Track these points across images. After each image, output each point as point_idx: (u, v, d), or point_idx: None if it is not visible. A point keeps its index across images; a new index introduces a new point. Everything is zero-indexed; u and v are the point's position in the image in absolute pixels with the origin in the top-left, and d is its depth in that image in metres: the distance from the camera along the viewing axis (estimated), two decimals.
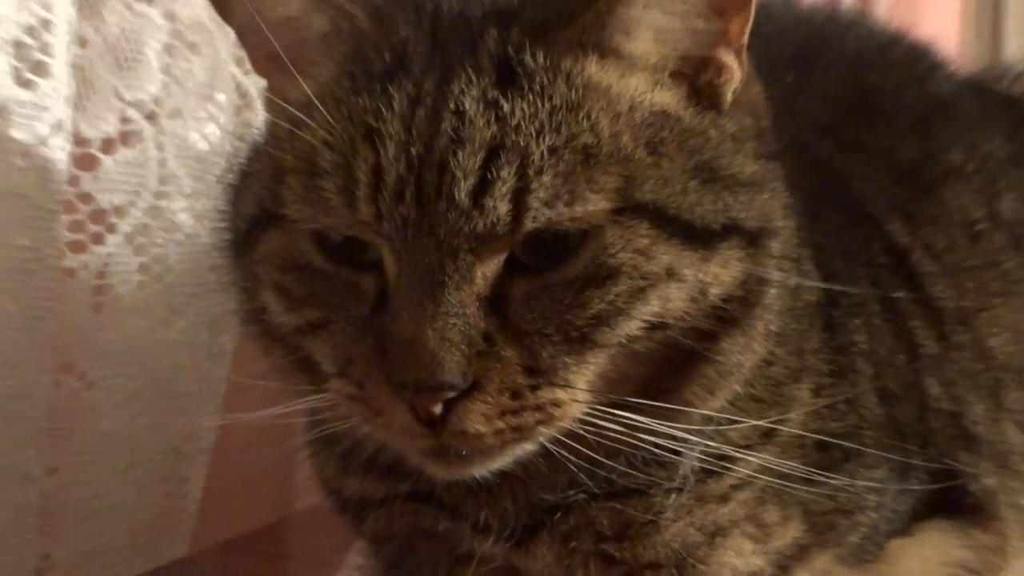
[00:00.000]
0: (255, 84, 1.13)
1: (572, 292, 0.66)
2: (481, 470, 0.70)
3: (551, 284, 0.66)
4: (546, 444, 0.69)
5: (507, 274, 0.66)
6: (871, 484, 0.81)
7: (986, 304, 0.94)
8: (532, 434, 0.67)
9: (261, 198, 0.71)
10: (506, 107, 0.65)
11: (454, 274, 0.64)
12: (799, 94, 1.00)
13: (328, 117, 0.67)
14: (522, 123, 0.64)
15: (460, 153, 0.64)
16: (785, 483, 0.76)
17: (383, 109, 0.66)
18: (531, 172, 0.63)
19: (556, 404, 0.66)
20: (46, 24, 0.88)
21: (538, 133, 0.64)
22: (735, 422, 0.75)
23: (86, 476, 1.01)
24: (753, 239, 0.70)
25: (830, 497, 0.79)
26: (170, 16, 1.03)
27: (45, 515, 0.99)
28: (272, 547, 1.16)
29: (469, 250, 0.64)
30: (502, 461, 0.69)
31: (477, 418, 0.65)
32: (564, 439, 0.69)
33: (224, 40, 1.08)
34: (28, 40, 0.87)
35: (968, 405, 0.90)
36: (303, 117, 0.68)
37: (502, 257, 0.66)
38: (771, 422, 0.76)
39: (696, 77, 0.71)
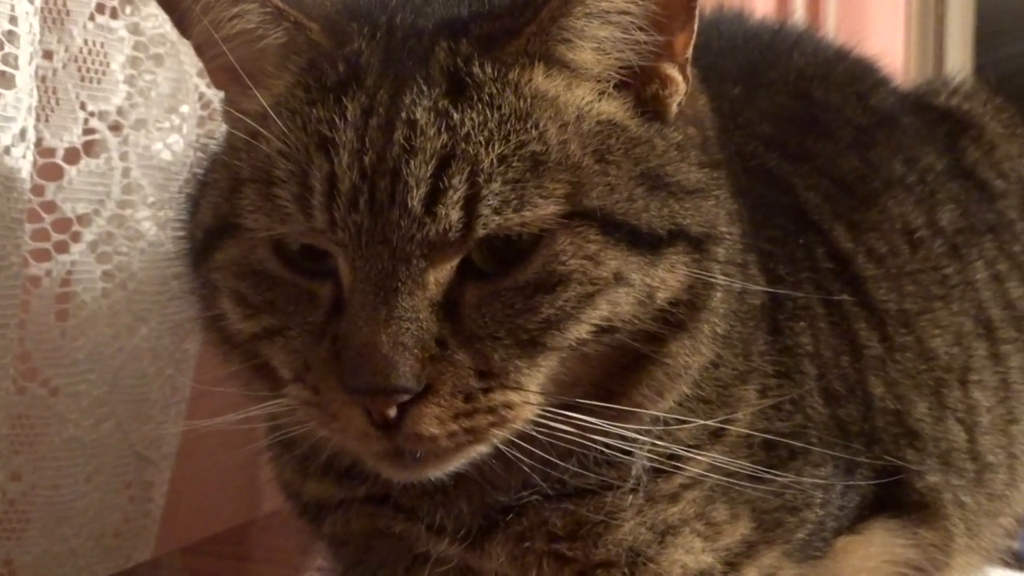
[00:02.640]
0: (218, 95, 1.12)
1: (523, 297, 0.66)
2: (436, 472, 0.69)
3: (503, 289, 0.66)
4: (499, 446, 0.69)
5: (460, 280, 0.66)
6: (817, 482, 0.81)
7: (927, 307, 0.95)
8: (485, 436, 0.67)
9: (218, 207, 0.71)
10: (456, 117, 0.65)
11: (407, 280, 0.64)
12: (746, 107, 1.00)
13: (283, 127, 0.66)
14: (472, 132, 0.64)
15: (412, 162, 0.64)
16: (733, 482, 0.76)
17: (337, 119, 0.66)
18: (481, 180, 0.63)
19: (508, 406, 0.66)
20: (10, 36, 0.87)
21: (487, 142, 0.64)
22: (684, 422, 0.75)
23: (51, 482, 1.00)
24: (698, 244, 0.70)
25: (777, 495, 0.79)
26: (135, 29, 1.03)
27: (8, 521, 0.98)
28: (236, 550, 1.14)
29: (422, 256, 0.64)
30: (456, 463, 0.69)
31: (431, 421, 0.64)
32: (517, 441, 0.68)
33: (188, 53, 1.07)
34: None
35: (912, 404, 0.91)
36: (259, 128, 0.67)
37: (454, 263, 0.65)
38: (719, 422, 0.76)
39: (642, 89, 0.71)
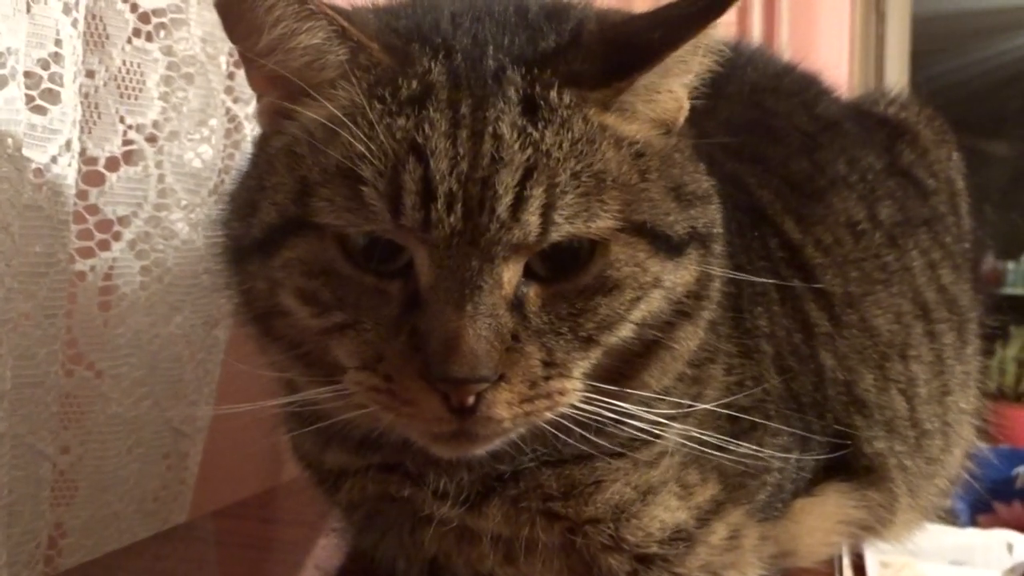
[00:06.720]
0: (243, 111, 1.11)
1: (583, 299, 0.66)
2: (482, 450, 0.69)
3: (565, 291, 0.66)
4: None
5: (523, 280, 0.65)
6: (775, 452, 0.81)
7: (869, 290, 0.94)
8: (540, 418, 0.66)
9: (283, 208, 0.67)
10: (535, 135, 0.64)
11: (489, 279, 0.63)
12: (709, 117, 0.99)
13: (363, 134, 0.64)
14: (551, 149, 0.64)
15: (502, 171, 0.62)
16: (704, 450, 0.75)
17: (426, 128, 0.63)
18: (557, 192, 0.63)
19: (562, 392, 0.66)
20: (56, 57, 0.85)
21: (564, 159, 0.64)
22: (665, 398, 0.74)
23: (96, 454, 0.99)
24: (705, 243, 0.71)
25: (741, 461, 0.79)
26: (168, 51, 1.01)
27: (59, 489, 0.97)
28: (262, 512, 1.13)
29: (503, 258, 0.63)
30: (501, 442, 0.68)
31: (503, 406, 0.64)
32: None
33: (216, 72, 1.06)
34: (40, 71, 0.85)
35: (859, 375, 0.90)
36: (338, 130, 0.64)
37: (522, 265, 0.65)
38: (693, 397, 0.76)
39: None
